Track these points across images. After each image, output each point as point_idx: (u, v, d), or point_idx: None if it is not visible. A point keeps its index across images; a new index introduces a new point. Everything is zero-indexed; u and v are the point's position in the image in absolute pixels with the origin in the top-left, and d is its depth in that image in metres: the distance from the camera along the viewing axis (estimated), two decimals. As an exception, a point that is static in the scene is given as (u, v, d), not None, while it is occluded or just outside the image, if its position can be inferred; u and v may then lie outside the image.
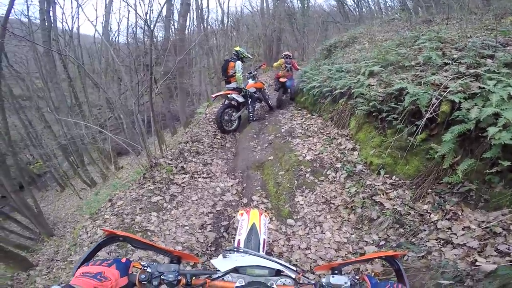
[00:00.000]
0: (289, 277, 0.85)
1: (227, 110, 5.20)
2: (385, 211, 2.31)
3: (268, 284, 0.80)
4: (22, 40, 8.35)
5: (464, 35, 3.72)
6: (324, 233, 2.49)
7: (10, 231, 6.62)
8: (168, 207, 3.11)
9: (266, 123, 5.23)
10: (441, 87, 2.37)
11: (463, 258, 1.67)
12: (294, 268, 0.86)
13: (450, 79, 2.45)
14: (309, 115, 4.77)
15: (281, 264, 0.86)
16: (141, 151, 5.34)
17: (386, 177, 2.59)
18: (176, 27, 12.43)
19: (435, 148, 2.22)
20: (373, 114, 3.01)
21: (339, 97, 3.90)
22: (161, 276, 0.70)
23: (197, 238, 2.76)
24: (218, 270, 0.86)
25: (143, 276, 0.69)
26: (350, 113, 3.56)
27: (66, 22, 25.24)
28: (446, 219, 2.00)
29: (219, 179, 3.71)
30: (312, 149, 3.52)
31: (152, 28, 3.91)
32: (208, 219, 2.99)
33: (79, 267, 0.65)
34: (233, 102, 5.17)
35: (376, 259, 0.83)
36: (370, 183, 2.61)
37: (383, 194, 2.43)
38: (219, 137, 5.07)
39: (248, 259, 0.90)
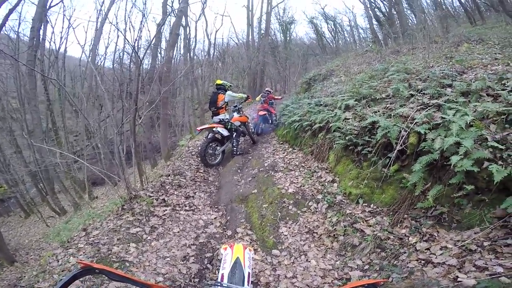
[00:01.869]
0: None
1: (211, 144, 5.25)
2: (366, 237, 2.40)
3: None
4: (8, 58, 8.17)
5: (427, 65, 4.19)
6: (309, 261, 2.50)
7: None
8: (148, 239, 2.99)
9: (250, 157, 5.35)
10: (408, 119, 2.65)
11: (444, 276, 1.75)
12: None
13: (416, 111, 2.74)
14: (290, 149, 4.95)
15: None
16: (118, 182, 5.18)
17: (365, 205, 2.72)
18: (162, 55, 12.80)
19: (407, 177, 2.41)
20: (350, 147, 3.22)
21: (318, 131, 4.12)
22: None
23: (180, 270, 2.66)
24: None
25: None
26: (329, 146, 3.77)
27: (54, 42, 25.09)
28: (424, 240, 2.12)
29: (202, 211, 3.67)
30: (294, 182, 3.65)
31: (141, 58, 4.06)
32: (190, 251, 2.90)
33: None
34: (217, 136, 5.23)
35: (359, 287, 0.85)
36: (350, 212, 2.72)
37: (363, 222, 2.55)
38: (202, 171, 5.06)
39: None
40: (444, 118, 2.39)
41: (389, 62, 5.51)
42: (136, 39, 11.43)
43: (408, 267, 1.98)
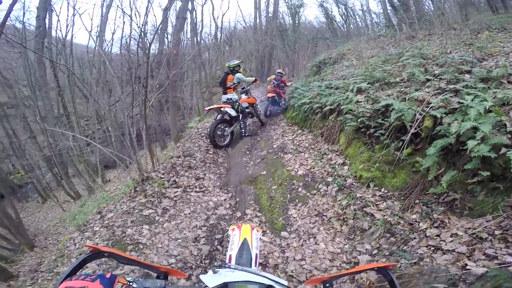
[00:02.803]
0: None
1: (220, 125, 5.27)
2: (376, 221, 2.40)
3: None
4: (16, 46, 8.25)
5: (445, 51, 4.01)
6: (318, 244, 2.53)
7: None
8: (160, 220, 3.09)
9: (258, 139, 5.34)
10: (424, 103, 2.55)
11: (453, 263, 1.75)
12: (286, 283, 0.85)
13: (432, 95, 2.64)
14: (300, 131, 4.90)
15: (271, 280, 0.83)
16: (129, 164, 5.29)
17: (376, 189, 2.70)
18: (169, 40, 12.63)
19: (420, 161, 2.35)
20: (362, 130, 3.16)
21: (329, 113, 4.06)
22: None
23: (191, 251, 2.74)
24: (206, 286, 0.83)
25: None
26: (340, 129, 3.71)
27: (60, 30, 25.16)
28: (434, 227, 2.10)
29: (212, 193, 3.74)
30: (304, 164, 3.63)
31: (150, 42, 4.01)
32: (201, 232, 2.98)
33: (62, 281, 0.64)
34: (225, 116, 5.24)
35: (368, 270, 0.83)
36: (360, 195, 2.71)
37: (373, 206, 2.53)
38: (211, 152, 5.10)
39: (238, 274, 0.88)
40: (461, 103, 2.29)
41: (403, 47, 5.26)
42: (142, 24, 11.25)
43: (417, 253, 1.97)
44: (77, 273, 0.68)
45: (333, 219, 2.70)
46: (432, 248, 1.95)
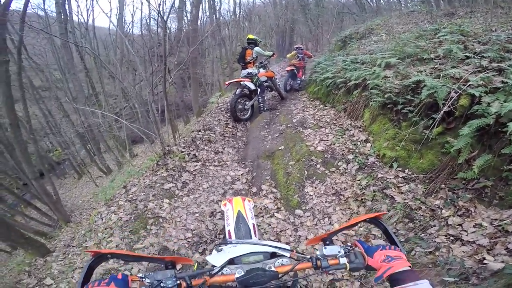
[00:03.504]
0: (285, 256, 0.86)
1: (240, 99, 5.28)
2: (395, 205, 2.27)
3: (267, 268, 0.80)
4: (40, 32, 8.58)
5: (489, 29, 3.54)
6: (332, 224, 2.48)
7: (30, 217, 6.96)
8: (180, 194, 3.19)
9: (278, 113, 5.23)
10: (460, 81, 2.28)
11: (471, 256, 1.63)
12: (287, 247, 0.86)
13: (471, 73, 2.34)
14: (321, 105, 4.70)
15: (273, 246, 0.85)
16: (155, 139, 5.48)
17: (399, 170, 2.53)
18: (188, 18, 12.42)
19: (451, 142, 2.14)
20: (388, 106, 2.93)
21: (353, 88, 3.82)
22: (161, 284, 0.70)
23: (207, 226, 2.82)
24: (214, 266, 0.85)
25: None
26: (364, 104, 3.48)
27: (82, 15, 25.87)
28: (458, 215, 1.95)
29: (230, 167, 3.77)
30: (324, 140, 3.48)
31: (165, 19, 3.93)
32: (218, 207, 3.04)
33: None
34: (245, 90, 5.21)
35: (362, 222, 0.83)
36: (382, 176, 2.56)
37: (394, 188, 2.39)
38: (230, 126, 5.11)
39: (240, 248, 0.90)
40: (506, 82, 2.01)
41: (440, 23, 4.70)
42: (159, 3, 11.11)
43: (435, 241, 1.86)
44: (91, 280, 0.69)
45: (350, 200, 2.60)
46: (452, 238, 1.82)
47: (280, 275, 0.79)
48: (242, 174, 3.61)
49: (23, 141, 5.10)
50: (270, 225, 2.69)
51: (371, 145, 3.00)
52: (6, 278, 3.95)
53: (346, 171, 2.90)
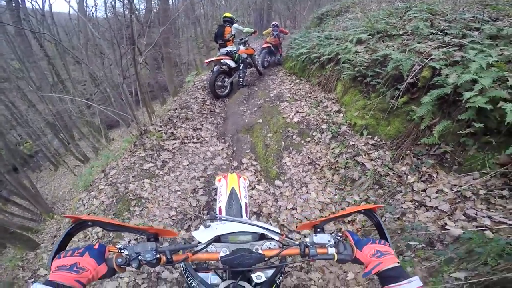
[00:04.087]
0: (273, 239, 0.83)
1: (219, 75, 5.26)
2: (366, 171, 2.44)
3: (253, 250, 0.78)
4: None
5: (456, 9, 3.67)
6: (310, 193, 2.63)
7: (12, 214, 6.66)
8: (160, 174, 3.19)
9: (256, 89, 5.25)
10: (424, 55, 2.40)
11: (434, 221, 1.79)
12: (277, 230, 0.83)
13: (434, 48, 2.47)
14: (297, 80, 4.80)
15: (263, 228, 0.82)
16: (131, 122, 5.32)
17: (369, 137, 2.70)
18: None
19: (414, 110, 2.30)
20: (358, 78, 3.05)
21: (327, 63, 3.90)
22: (139, 257, 0.67)
23: (190, 203, 2.88)
24: (200, 242, 0.82)
25: (119, 259, 0.66)
26: (337, 78, 3.58)
27: (36, 2, 23.52)
28: (422, 181, 2.12)
29: (209, 143, 3.80)
30: (300, 112, 3.59)
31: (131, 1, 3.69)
32: (199, 183, 3.09)
33: (52, 260, 0.62)
34: (224, 68, 5.17)
35: (356, 213, 0.82)
36: (353, 143, 2.72)
37: (365, 155, 2.55)
38: (208, 103, 5.08)
39: (229, 226, 0.85)
40: (464, 57, 2.15)
41: (413, 2, 4.79)
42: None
43: (401, 207, 2.02)
44: (66, 249, 0.66)
45: (325, 168, 2.75)
46: (417, 203, 1.99)
47: (266, 258, 0.77)
48: (222, 149, 3.66)
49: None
50: (252, 197, 2.79)
51: (343, 115, 3.14)
52: (2, 276, 3.85)
53: (321, 140, 3.04)
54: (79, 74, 15.02)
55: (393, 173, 2.33)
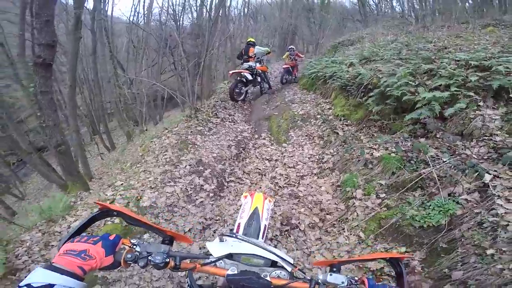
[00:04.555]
0: (285, 269, 0.87)
1: (238, 84, 7.43)
2: (339, 137, 4.41)
3: (262, 275, 0.83)
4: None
5: (422, 41, 5.75)
6: (304, 150, 4.61)
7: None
8: (207, 134, 5.27)
9: (275, 96, 7.56)
10: (377, 71, 4.48)
11: (371, 154, 3.68)
12: (291, 261, 0.88)
13: (388, 66, 4.52)
14: (307, 92, 7.07)
15: (278, 256, 0.86)
16: (184, 104, 7.43)
17: (344, 121, 4.71)
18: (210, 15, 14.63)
19: (369, 102, 4.30)
20: (343, 87, 5.13)
21: (328, 79, 6.02)
22: (149, 257, 0.74)
23: (225, 152, 4.89)
24: (211, 255, 0.87)
25: (129, 255, 0.72)
26: (333, 89, 5.69)
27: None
28: (370, 139, 4.05)
29: (240, 124, 5.93)
30: (304, 109, 5.72)
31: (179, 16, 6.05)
32: (232, 143, 5.13)
33: (66, 241, 0.68)
34: (243, 79, 7.33)
35: (380, 259, 0.89)
36: (334, 123, 4.73)
37: (339, 129, 4.55)
38: (239, 102, 7.34)
39: (244, 246, 0.90)
40: (395, 70, 4.19)
41: (408, 36, 6.93)
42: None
43: (355, 149, 3.96)
44: (83, 234, 0.72)
45: (315, 138, 4.76)
46: (368, 148, 3.91)
47: (272, 287, 0.81)
48: (247, 128, 5.77)
49: (75, 101, 7.03)
50: (266, 152, 4.79)
51: (332, 111, 5.19)
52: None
53: (315, 123, 5.08)
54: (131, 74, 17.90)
55: (355, 138, 4.26)
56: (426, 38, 5.93)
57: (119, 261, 0.71)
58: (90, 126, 14.83)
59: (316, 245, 2.94)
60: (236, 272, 0.84)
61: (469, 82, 3.25)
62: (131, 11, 15.95)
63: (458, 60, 3.76)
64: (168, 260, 0.75)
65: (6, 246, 2.85)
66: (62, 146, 4.89)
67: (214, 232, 3.19)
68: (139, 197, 3.56)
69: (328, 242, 2.92)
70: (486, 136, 2.90)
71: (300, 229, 3.14)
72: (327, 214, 3.31)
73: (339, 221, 3.18)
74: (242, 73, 7.21)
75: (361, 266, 2.44)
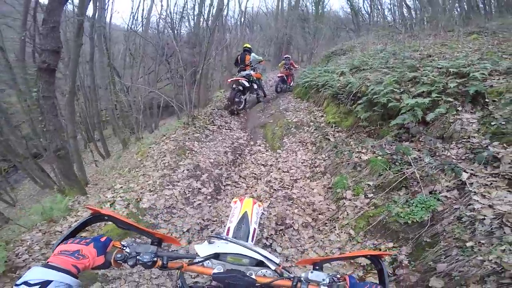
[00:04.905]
0: (270, 268, 0.91)
1: (238, 93, 7.57)
2: (330, 142, 4.66)
3: (247, 274, 0.87)
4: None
5: (405, 50, 6.10)
6: (297, 155, 4.84)
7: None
8: (204, 140, 5.49)
9: (270, 105, 7.86)
10: (366, 79, 4.77)
11: (359, 158, 3.94)
12: (276, 260, 0.93)
13: (375, 75, 4.83)
14: (300, 101, 7.36)
15: (263, 256, 0.90)
16: (180, 112, 7.66)
17: (335, 127, 4.98)
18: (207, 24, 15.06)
19: (358, 110, 4.58)
20: (335, 95, 5.42)
21: (320, 87, 6.32)
22: (137, 257, 0.78)
23: (221, 158, 5.10)
24: (198, 255, 0.92)
25: (119, 255, 0.77)
26: (325, 97, 5.98)
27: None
28: (359, 144, 4.29)
29: (236, 131, 6.18)
30: (298, 117, 6.00)
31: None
32: (228, 149, 5.36)
33: (59, 243, 0.72)
34: (240, 87, 7.48)
35: (360, 256, 0.95)
36: (326, 130, 4.99)
37: (330, 135, 4.81)
38: (235, 110, 7.58)
39: (231, 247, 0.95)
40: (382, 78, 4.49)
41: (397, 44, 7.28)
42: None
43: (345, 154, 4.21)
44: (77, 235, 0.77)
45: (308, 144, 5.00)
46: (356, 153, 4.15)
47: (257, 284, 0.86)
48: (243, 135, 6.02)
49: (74, 106, 7.22)
50: (262, 158, 5.02)
51: (324, 118, 5.47)
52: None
53: (308, 130, 5.34)
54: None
55: (345, 143, 4.51)
56: (413, 47, 6.29)
57: (110, 261, 0.76)
58: (85, 133, 14.99)
59: (310, 243, 3.12)
60: (222, 270, 0.88)
61: (449, 88, 3.53)
62: (130, 19, 16.15)
63: (440, 68, 4.05)
64: (156, 259, 0.80)
65: (7, 245, 2.94)
66: (61, 150, 5.05)
67: (212, 232, 3.37)
68: (138, 199, 3.73)
69: (321, 240, 3.11)
70: (464, 138, 3.14)
71: (294, 228, 3.34)
72: (319, 214, 3.52)
73: (331, 220, 3.38)
74: (239, 81, 7.39)
75: (352, 262, 2.58)
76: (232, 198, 2.16)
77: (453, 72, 3.80)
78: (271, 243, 3.11)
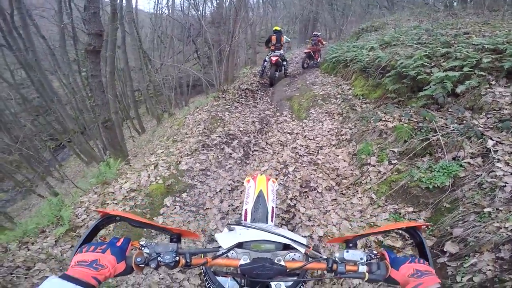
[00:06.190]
0: (298, 251, 0.85)
1: (275, 71, 8.07)
2: (357, 112, 4.74)
3: (275, 261, 0.81)
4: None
5: (440, 27, 5.85)
6: (323, 125, 4.97)
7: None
8: (233, 111, 5.78)
9: (296, 79, 7.95)
10: (395, 53, 4.71)
11: (385, 126, 4.02)
12: (304, 242, 0.84)
13: (403, 49, 4.75)
14: (328, 75, 7.33)
15: (289, 238, 0.82)
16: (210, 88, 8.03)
17: (363, 99, 5.02)
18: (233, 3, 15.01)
19: (386, 82, 4.58)
20: (363, 69, 5.41)
21: (349, 62, 6.29)
22: (158, 258, 0.72)
23: (250, 127, 5.36)
24: (220, 247, 0.86)
25: (139, 259, 0.71)
26: (353, 72, 5.96)
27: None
28: (386, 114, 4.34)
29: (263, 104, 6.42)
30: (325, 90, 6.07)
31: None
32: (255, 119, 5.61)
33: (76, 252, 0.68)
34: (277, 64, 7.95)
35: (396, 230, 0.85)
36: (353, 102, 5.05)
37: (357, 106, 4.87)
38: (261, 83, 7.84)
39: (253, 233, 0.88)
40: (413, 53, 4.41)
41: (432, 23, 6.89)
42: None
43: (376, 125, 4.28)
44: (91, 242, 0.72)
45: (335, 114, 5.11)
46: (382, 122, 4.21)
47: (287, 270, 0.80)
48: (270, 107, 6.23)
49: (114, 85, 7.80)
50: (288, 127, 5.23)
51: (351, 91, 5.49)
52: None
53: (335, 102, 5.42)
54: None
55: (372, 113, 4.54)
56: (451, 25, 5.99)
57: (131, 266, 0.71)
58: (122, 112, 15.96)
59: (332, 205, 3.32)
60: (248, 261, 0.81)
61: (482, 63, 3.46)
62: (155, 2, 16.48)
63: (476, 45, 3.93)
64: (178, 258, 0.74)
65: (68, 207, 3.34)
66: (108, 122, 5.58)
67: (241, 193, 3.63)
68: (178, 162, 4.13)
69: (343, 203, 3.29)
70: (495, 110, 3.12)
71: (317, 191, 3.55)
72: (343, 178, 3.70)
73: (354, 184, 3.55)
74: (279, 60, 7.88)
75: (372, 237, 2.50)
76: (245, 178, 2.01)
77: (489, 48, 3.68)
78: (295, 204, 3.29)
